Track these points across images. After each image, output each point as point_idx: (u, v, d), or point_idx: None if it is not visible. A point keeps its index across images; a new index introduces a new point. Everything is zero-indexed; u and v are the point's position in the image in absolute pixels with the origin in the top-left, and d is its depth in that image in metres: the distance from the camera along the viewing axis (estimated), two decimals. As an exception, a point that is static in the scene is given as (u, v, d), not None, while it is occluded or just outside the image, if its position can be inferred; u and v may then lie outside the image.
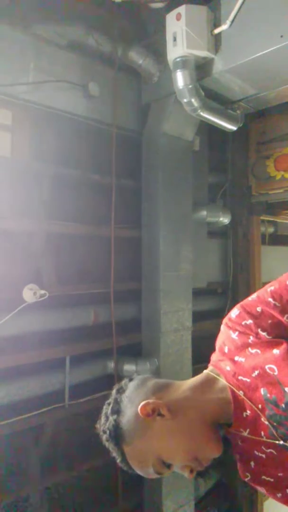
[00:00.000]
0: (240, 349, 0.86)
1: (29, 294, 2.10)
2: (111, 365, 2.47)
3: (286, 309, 0.85)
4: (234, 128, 2.57)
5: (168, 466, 0.85)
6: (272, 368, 0.79)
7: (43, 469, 2.23)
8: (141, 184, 2.67)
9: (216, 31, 2.10)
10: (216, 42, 2.13)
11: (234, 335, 0.87)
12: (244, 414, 0.82)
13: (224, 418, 0.84)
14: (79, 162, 2.47)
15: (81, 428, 2.43)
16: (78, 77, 2.31)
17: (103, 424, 0.89)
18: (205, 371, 0.90)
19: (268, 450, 0.80)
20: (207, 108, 2.30)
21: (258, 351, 0.83)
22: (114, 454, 0.87)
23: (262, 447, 0.81)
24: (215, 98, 2.40)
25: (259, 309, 0.86)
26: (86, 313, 2.36)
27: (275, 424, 0.77)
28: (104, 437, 0.88)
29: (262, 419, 0.79)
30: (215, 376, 0.87)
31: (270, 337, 0.84)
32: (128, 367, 2.47)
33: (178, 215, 2.66)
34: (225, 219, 3.15)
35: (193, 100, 2.21)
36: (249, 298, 0.90)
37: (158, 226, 2.57)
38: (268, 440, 0.79)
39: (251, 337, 0.85)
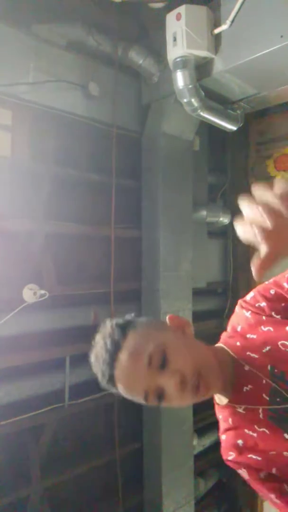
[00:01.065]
0: (253, 327, 0.87)
1: (29, 294, 2.10)
2: (111, 365, 2.46)
3: None
4: (234, 128, 2.57)
5: (162, 365, 0.78)
6: (285, 344, 0.79)
7: (43, 469, 2.22)
8: (141, 184, 2.67)
9: (216, 31, 2.10)
10: (216, 42, 2.13)
11: (247, 314, 0.89)
12: (245, 388, 0.81)
13: (224, 389, 0.84)
14: (79, 162, 2.47)
15: (81, 428, 2.44)
16: (78, 77, 2.31)
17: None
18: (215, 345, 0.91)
19: (261, 429, 0.79)
20: (207, 108, 2.30)
21: (271, 328, 0.84)
22: (109, 342, 0.82)
23: (255, 426, 0.80)
24: (215, 98, 2.40)
25: (272, 291, 0.88)
26: (86, 313, 2.36)
27: (278, 399, 0.77)
28: (109, 328, 0.84)
29: (264, 394, 0.78)
30: (224, 347, 0.88)
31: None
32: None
33: (178, 215, 2.66)
34: (225, 219, 3.15)
35: (193, 100, 2.21)
36: (266, 282, 0.92)
37: (158, 226, 2.57)
38: (269, 407, 0.78)
39: (264, 317, 0.86)
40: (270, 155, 3.22)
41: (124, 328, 0.82)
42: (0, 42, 2.01)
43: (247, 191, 0.54)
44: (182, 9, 2.07)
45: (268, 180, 3.20)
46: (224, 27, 2.06)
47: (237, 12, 2.02)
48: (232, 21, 2.04)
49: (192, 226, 2.79)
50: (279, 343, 0.80)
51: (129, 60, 2.45)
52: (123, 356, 0.79)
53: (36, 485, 2.20)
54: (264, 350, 0.82)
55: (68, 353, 2.27)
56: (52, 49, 2.21)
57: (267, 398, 0.78)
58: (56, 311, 2.27)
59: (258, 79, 2.24)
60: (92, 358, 0.87)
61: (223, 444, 0.87)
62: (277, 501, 0.77)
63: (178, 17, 2.08)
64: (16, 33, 2.07)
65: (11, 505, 2.14)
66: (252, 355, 0.83)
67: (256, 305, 0.88)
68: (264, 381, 0.79)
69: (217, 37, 2.13)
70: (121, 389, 0.82)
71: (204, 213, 3.01)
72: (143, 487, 2.65)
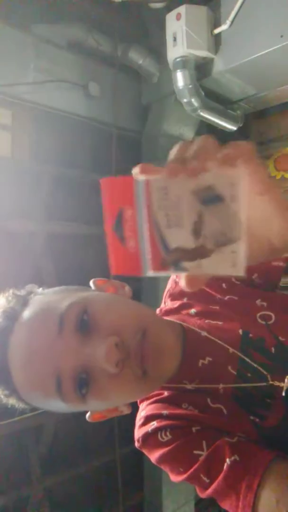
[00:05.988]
0: (212, 299, 0.69)
1: (29, 294, 2.09)
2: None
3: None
4: (234, 128, 2.57)
5: (83, 327, 0.53)
6: (265, 316, 0.64)
7: (43, 469, 2.22)
8: (141, 184, 2.67)
9: (216, 31, 2.09)
10: (216, 42, 2.13)
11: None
12: (201, 362, 0.61)
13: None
14: (79, 162, 2.47)
15: (81, 428, 2.44)
16: (78, 77, 2.31)
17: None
18: None
19: (215, 406, 0.60)
20: (207, 108, 2.30)
21: (235, 297, 0.68)
22: (1, 318, 0.57)
23: (208, 399, 0.60)
24: (215, 98, 2.39)
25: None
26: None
27: (249, 375, 0.59)
28: (4, 300, 0.60)
29: (230, 367, 0.60)
30: (169, 319, 0.69)
31: None
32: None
33: (178, 215, 2.65)
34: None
35: (193, 100, 2.21)
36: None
37: (158, 226, 2.56)
38: (235, 385, 0.59)
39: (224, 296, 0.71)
40: (270, 155, 3.22)
41: (25, 296, 0.60)
42: (0, 42, 2.01)
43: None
44: (182, 9, 2.07)
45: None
46: (224, 27, 2.06)
47: (237, 12, 2.02)
48: (232, 21, 2.04)
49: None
50: (258, 314, 0.64)
51: (129, 60, 2.45)
52: (19, 327, 0.54)
53: (36, 485, 2.20)
54: (233, 316, 0.64)
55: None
56: (52, 49, 2.21)
57: (234, 372, 0.59)
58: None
59: (258, 79, 2.24)
60: None
61: (140, 421, 0.64)
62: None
63: (178, 17, 2.08)
64: (16, 33, 2.07)
65: (11, 505, 2.14)
66: (214, 322, 0.64)
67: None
68: (230, 351, 0.60)
69: (217, 37, 2.13)
70: (19, 385, 0.54)
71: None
72: (143, 487, 2.65)
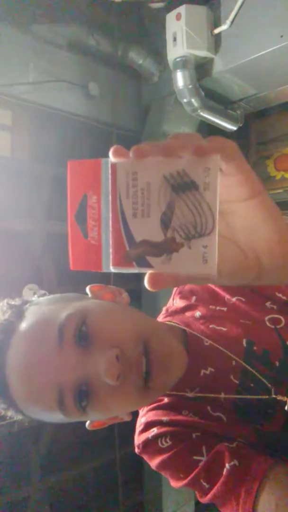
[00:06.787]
0: (220, 298, 0.67)
1: (29, 294, 2.10)
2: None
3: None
4: (234, 128, 2.57)
5: (82, 339, 0.51)
6: (275, 319, 0.62)
7: (43, 469, 2.22)
8: (141, 184, 2.67)
9: (216, 31, 2.10)
10: (216, 42, 2.13)
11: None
12: (202, 372, 0.60)
13: None
14: (79, 162, 2.47)
15: (81, 428, 2.43)
16: (78, 77, 2.31)
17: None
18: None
19: (216, 414, 0.59)
20: (207, 108, 2.30)
21: (243, 299, 0.65)
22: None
23: (208, 407, 0.59)
24: (215, 98, 2.40)
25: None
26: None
27: (252, 385, 0.58)
28: None
29: (232, 376, 0.59)
30: (172, 323, 0.67)
31: None
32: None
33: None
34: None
35: (193, 100, 2.21)
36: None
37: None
38: (237, 397, 0.58)
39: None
40: (270, 155, 3.22)
41: (20, 307, 0.58)
42: (0, 42, 2.01)
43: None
44: (182, 9, 2.07)
45: (268, 180, 3.21)
46: (224, 27, 2.06)
47: (237, 12, 2.02)
48: (232, 21, 2.04)
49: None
50: (267, 318, 0.61)
51: (129, 60, 2.45)
52: (17, 341, 0.52)
53: (36, 485, 2.20)
54: (239, 321, 0.62)
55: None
56: (52, 49, 2.21)
57: (236, 382, 0.58)
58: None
59: (258, 79, 2.24)
60: None
61: (140, 427, 0.63)
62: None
63: (178, 17, 2.08)
64: (16, 33, 2.07)
65: (11, 505, 2.14)
66: (218, 328, 0.62)
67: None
68: (233, 362, 0.59)
69: (217, 37, 2.13)
70: (18, 399, 0.53)
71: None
72: (143, 487, 2.65)
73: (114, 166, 0.32)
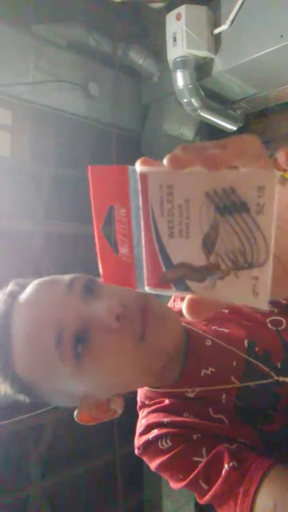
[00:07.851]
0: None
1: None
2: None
3: None
4: (234, 128, 2.57)
5: (89, 291, 0.55)
6: (276, 321, 0.62)
7: (43, 469, 2.22)
8: (141, 184, 2.67)
9: (216, 31, 2.09)
10: (216, 42, 2.13)
11: None
12: (203, 372, 0.60)
13: (172, 369, 0.61)
14: (79, 162, 2.46)
15: (81, 427, 2.43)
16: (78, 77, 2.31)
17: None
18: None
19: (217, 416, 0.59)
20: (207, 108, 2.30)
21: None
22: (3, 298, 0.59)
23: (210, 409, 0.59)
24: (215, 98, 2.40)
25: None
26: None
27: (252, 385, 0.58)
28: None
29: (233, 377, 0.59)
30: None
31: None
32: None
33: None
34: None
35: (193, 100, 2.21)
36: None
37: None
38: (237, 400, 0.58)
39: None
40: (270, 155, 3.21)
41: (25, 284, 0.60)
42: (0, 42, 2.01)
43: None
44: (182, 9, 2.07)
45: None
46: (224, 27, 2.06)
47: (237, 12, 2.02)
48: (232, 21, 2.04)
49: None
50: (268, 320, 0.62)
51: (129, 60, 2.45)
52: (26, 293, 0.56)
53: (36, 485, 2.20)
54: (241, 323, 0.63)
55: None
56: (52, 49, 2.21)
57: (237, 383, 0.59)
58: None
59: (258, 79, 2.24)
60: None
61: (141, 429, 0.63)
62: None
63: (178, 17, 2.08)
64: (16, 33, 2.07)
65: (11, 505, 2.14)
66: (220, 329, 0.63)
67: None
68: (234, 363, 0.59)
69: (217, 37, 2.13)
70: (19, 340, 0.54)
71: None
72: (143, 487, 2.65)
73: (144, 176, 0.27)
